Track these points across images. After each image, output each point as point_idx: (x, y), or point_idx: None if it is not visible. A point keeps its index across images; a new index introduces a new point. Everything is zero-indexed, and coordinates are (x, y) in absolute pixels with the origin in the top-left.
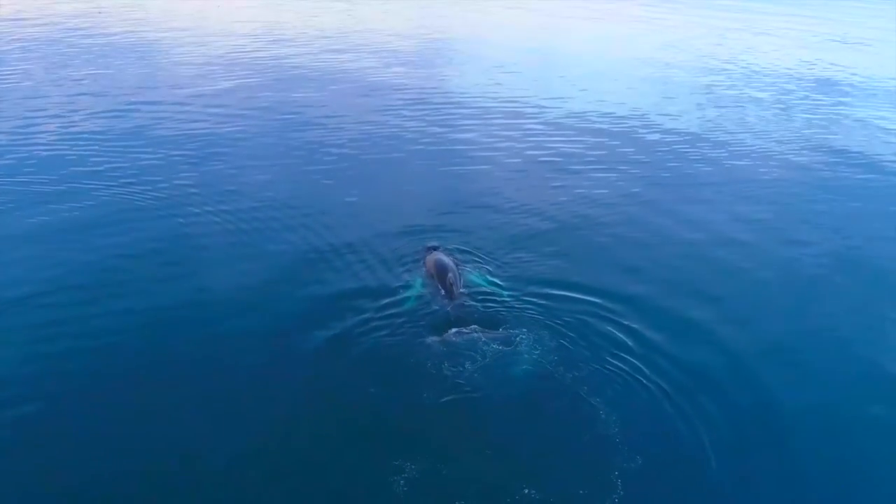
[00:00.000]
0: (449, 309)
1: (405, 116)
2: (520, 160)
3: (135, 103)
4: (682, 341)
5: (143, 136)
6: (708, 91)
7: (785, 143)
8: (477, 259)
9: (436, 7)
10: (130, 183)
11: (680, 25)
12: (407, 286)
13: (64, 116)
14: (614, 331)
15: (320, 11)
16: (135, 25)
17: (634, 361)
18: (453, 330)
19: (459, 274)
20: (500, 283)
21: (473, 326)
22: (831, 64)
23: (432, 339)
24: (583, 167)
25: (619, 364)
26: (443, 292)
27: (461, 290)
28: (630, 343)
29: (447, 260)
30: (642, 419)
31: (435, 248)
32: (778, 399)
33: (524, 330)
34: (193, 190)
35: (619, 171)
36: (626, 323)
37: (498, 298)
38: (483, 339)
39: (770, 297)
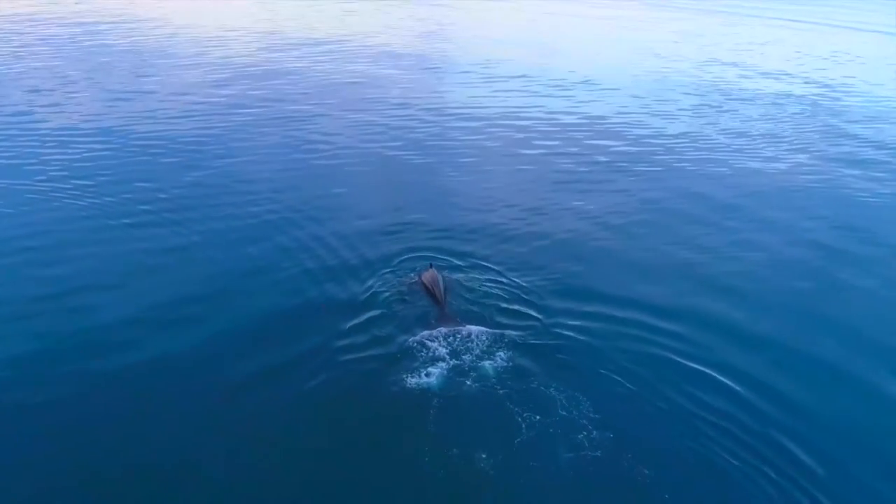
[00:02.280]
0: (446, 351)
1: (397, 116)
2: (524, 164)
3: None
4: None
5: (108, 133)
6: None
7: None
8: (483, 276)
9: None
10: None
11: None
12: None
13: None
14: (687, 379)
15: (317, 9)
16: (126, 20)
17: (712, 426)
18: (462, 388)
19: (448, 290)
20: (521, 310)
21: (493, 383)
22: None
23: (432, 411)
24: (601, 171)
25: (704, 431)
26: (433, 320)
27: (457, 319)
28: (712, 394)
29: (439, 278)
30: None
31: (430, 266)
32: None
33: (556, 384)
34: (179, 198)
35: (640, 173)
36: (698, 360)
37: (517, 338)
38: (510, 407)
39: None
